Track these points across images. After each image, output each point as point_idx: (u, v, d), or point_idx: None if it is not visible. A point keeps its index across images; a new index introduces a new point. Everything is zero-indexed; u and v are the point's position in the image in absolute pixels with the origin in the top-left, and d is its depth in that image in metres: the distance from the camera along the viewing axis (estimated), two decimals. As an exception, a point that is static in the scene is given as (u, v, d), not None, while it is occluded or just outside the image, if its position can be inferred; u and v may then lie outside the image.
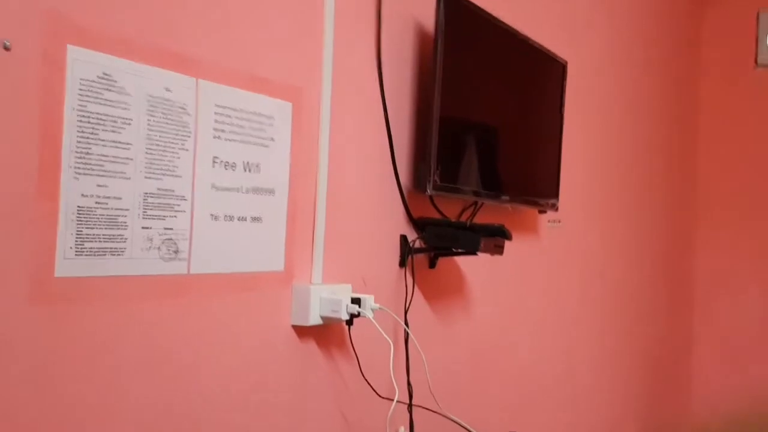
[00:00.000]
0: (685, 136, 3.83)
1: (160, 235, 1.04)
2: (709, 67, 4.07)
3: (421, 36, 1.69)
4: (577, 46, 2.49)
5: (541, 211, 2.16)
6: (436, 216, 1.78)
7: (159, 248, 1.04)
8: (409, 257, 1.64)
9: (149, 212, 1.02)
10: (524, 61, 1.91)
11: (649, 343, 3.36)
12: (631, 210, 3.08)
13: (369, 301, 1.32)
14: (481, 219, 1.95)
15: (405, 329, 1.58)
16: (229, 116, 1.15)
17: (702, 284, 4.03)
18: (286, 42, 1.30)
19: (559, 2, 2.34)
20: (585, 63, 2.57)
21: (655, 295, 3.43)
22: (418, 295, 1.71)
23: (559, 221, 2.43)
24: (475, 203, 1.89)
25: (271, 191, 1.23)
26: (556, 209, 2.16)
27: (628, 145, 3.02)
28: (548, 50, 2.02)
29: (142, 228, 1.02)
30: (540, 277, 2.30)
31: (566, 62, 2.15)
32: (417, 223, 1.69)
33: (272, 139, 1.24)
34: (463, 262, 1.91)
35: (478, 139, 1.77)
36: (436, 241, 1.61)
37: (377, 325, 1.33)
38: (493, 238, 1.63)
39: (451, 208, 1.84)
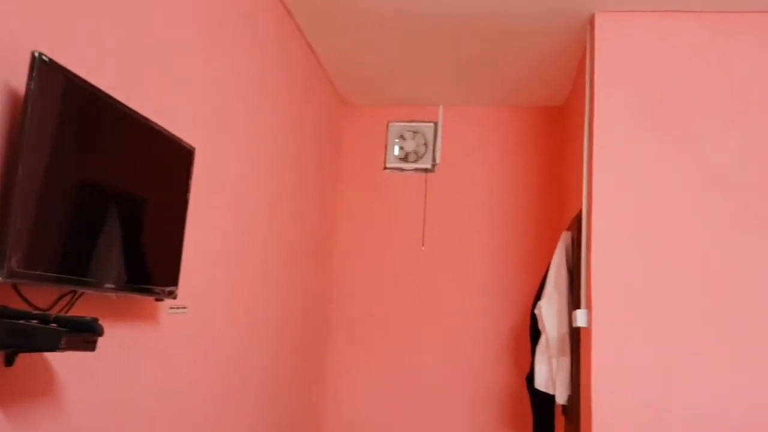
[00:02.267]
0: (324, 224, 4.10)
1: None
2: (346, 168, 4.48)
3: (14, 103, 1.50)
4: (215, 136, 2.49)
5: (158, 299, 2.04)
6: (22, 306, 1.55)
7: None
8: (-29, 356, 1.38)
9: None
10: (143, 143, 1.82)
11: (283, 425, 3.39)
12: (269, 294, 3.13)
13: None
14: (82, 308, 1.76)
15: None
16: None
17: (332, 368, 4.27)
18: None
19: (197, 92, 2.33)
20: (226, 152, 2.58)
21: (290, 375, 3.50)
22: (-17, 401, 1.44)
23: (185, 308, 2.34)
24: (74, 292, 1.70)
25: None
26: (175, 297, 2.07)
27: (268, 231, 3.09)
28: (172, 134, 1.97)
29: None
30: (156, 367, 2.15)
31: (194, 148, 2.12)
32: (-12, 315, 1.44)
33: None
34: (54, 357, 1.68)
35: (80, 222, 1.61)
36: (7, 337, 1.39)
37: None
38: (82, 334, 1.46)
39: (45, 297, 1.63)
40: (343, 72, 3.96)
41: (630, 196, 2.92)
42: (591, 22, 3.11)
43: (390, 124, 4.39)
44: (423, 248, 4.27)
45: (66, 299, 1.69)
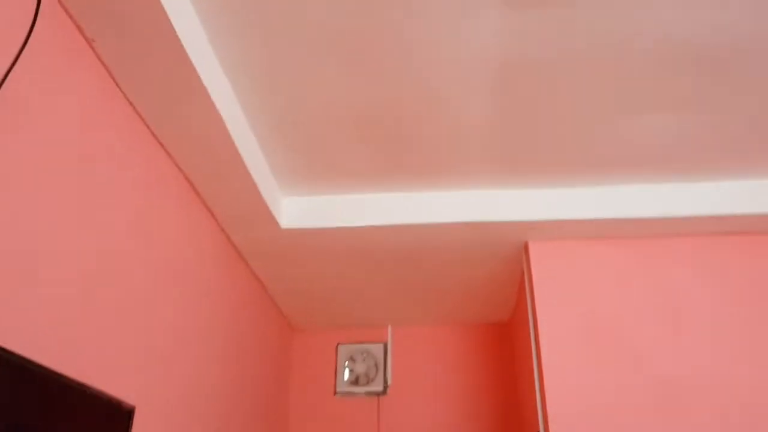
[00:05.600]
0: (274, 461, 3.87)
1: None
2: (297, 396, 4.34)
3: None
4: (158, 389, 2.41)
5: None
6: None
7: None
8: None
9: None
10: (76, 407, 1.74)
11: None
12: None
13: None
14: None
15: None
16: None
17: None
18: None
19: (138, 344, 2.30)
20: (165, 407, 2.49)
21: None
22: None
23: None
24: None
25: None
26: None
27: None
28: (110, 395, 1.90)
29: None
30: None
31: (134, 407, 2.04)
32: None
33: None
34: None
35: None
36: None
37: None
38: None
39: None
40: (289, 298, 3.99)
41: (583, 406, 2.89)
42: (525, 248, 3.29)
43: (339, 346, 4.36)
44: (379, 478, 4.04)
45: None
